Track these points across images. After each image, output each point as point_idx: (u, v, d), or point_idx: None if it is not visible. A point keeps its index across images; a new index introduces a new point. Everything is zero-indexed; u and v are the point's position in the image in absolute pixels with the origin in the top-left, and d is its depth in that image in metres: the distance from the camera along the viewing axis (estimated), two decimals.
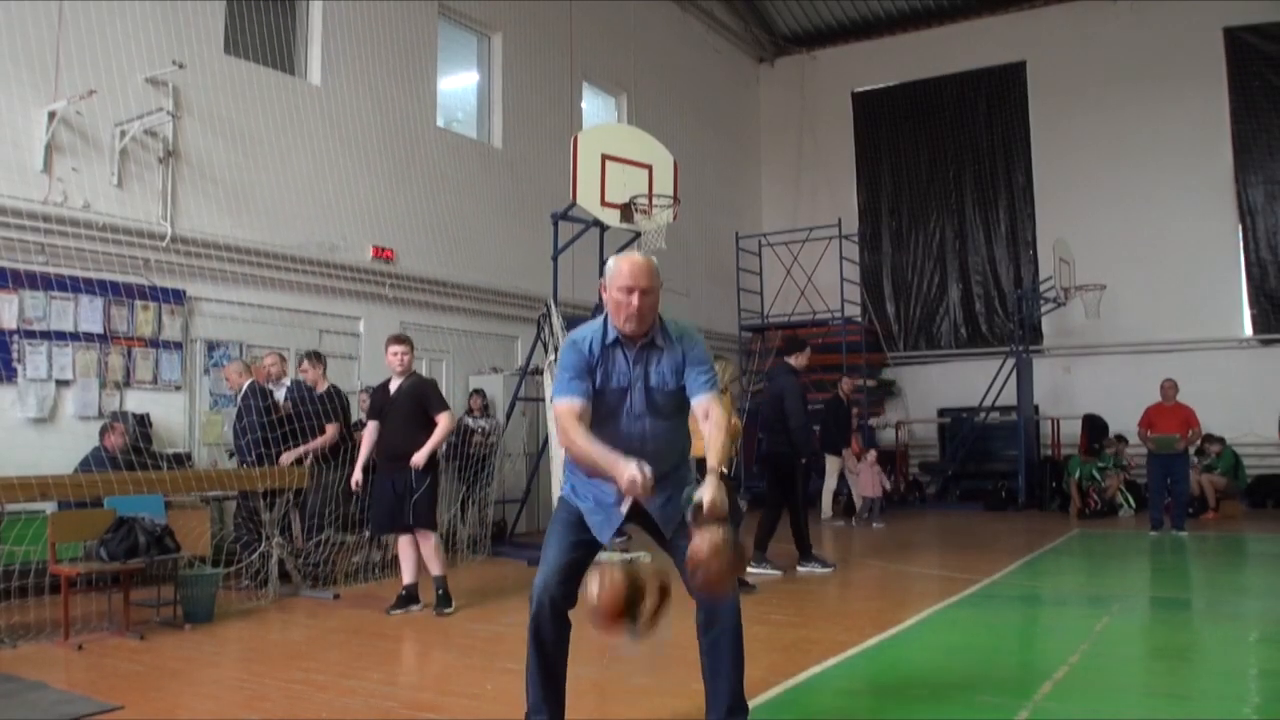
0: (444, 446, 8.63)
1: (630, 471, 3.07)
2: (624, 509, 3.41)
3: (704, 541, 3.02)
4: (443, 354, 11.55)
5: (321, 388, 8.14)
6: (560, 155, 10.35)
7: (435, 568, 6.67)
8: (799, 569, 8.06)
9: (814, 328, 15.66)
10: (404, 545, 6.76)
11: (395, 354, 6.83)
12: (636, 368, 3.39)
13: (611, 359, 3.39)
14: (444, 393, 10.24)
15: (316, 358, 8.34)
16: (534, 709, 3.41)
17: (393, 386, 6.86)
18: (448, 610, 6.58)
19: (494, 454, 10.41)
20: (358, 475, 6.96)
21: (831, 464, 12.78)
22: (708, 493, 3.08)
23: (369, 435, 6.93)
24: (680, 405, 3.49)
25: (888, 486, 12.97)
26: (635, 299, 3.29)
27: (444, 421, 6.73)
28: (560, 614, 3.37)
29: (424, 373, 11.37)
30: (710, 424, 3.34)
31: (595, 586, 3.08)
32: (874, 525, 12.06)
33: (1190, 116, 15.45)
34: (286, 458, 7.69)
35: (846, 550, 9.85)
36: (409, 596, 6.68)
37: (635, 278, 3.29)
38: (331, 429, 7.93)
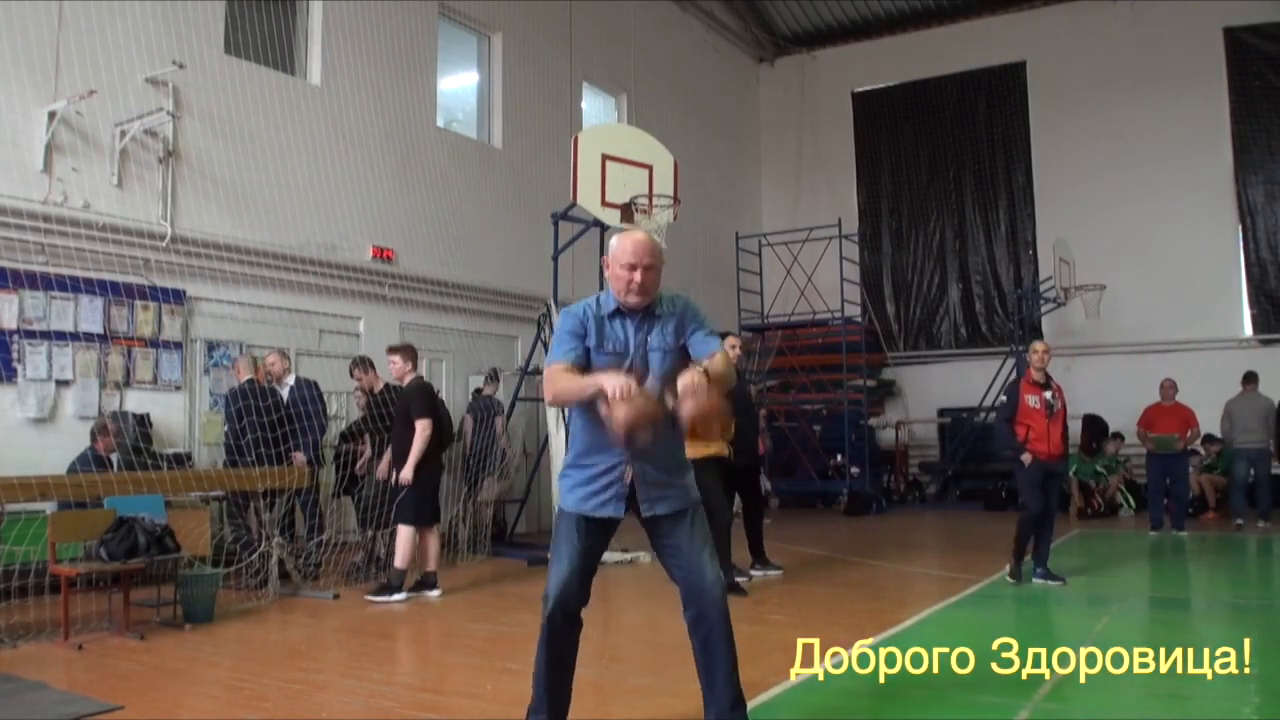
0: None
1: (614, 380, 3.09)
2: (627, 478, 3.39)
3: (685, 383, 3.10)
4: (443, 354, 11.54)
5: (378, 388, 8.44)
6: (560, 155, 10.35)
7: (398, 559, 7.06)
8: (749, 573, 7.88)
9: (814, 328, 15.67)
10: (423, 537, 7.23)
11: (391, 363, 7.50)
12: (638, 334, 3.45)
13: (608, 327, 3.45)
14: (443, 393, 10.35)
15: (366, 364, 8.69)
16: (536, 708, 3.43)
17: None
18: (381, 598, 6.89)
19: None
20: (382, 469, 7.63)
21: None
22: (688, 374, 3.15)
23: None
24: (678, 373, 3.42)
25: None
26: (638, 275, 3.35)
27: (418, 428, 7.11)
28: (573, 615, 3.41)
29: (424, 374, 11.42)
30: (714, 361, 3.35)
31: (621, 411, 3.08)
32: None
33: (1190, 116, 15.45)
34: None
35: (845, 549, 9.85)
36: (423, 582, 7.14)
37: (638, 255, 3.35)
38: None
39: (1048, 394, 7.63)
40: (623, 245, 3.39)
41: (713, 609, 3.37)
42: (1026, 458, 7.45)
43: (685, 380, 3.13)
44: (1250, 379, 11.85)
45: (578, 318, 3.46)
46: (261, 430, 7.56)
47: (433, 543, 7.26)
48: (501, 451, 10.04)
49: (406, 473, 6.98)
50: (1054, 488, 7.80)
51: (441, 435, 7.31)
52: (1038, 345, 7.85)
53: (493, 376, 10.50)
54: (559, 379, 3.36)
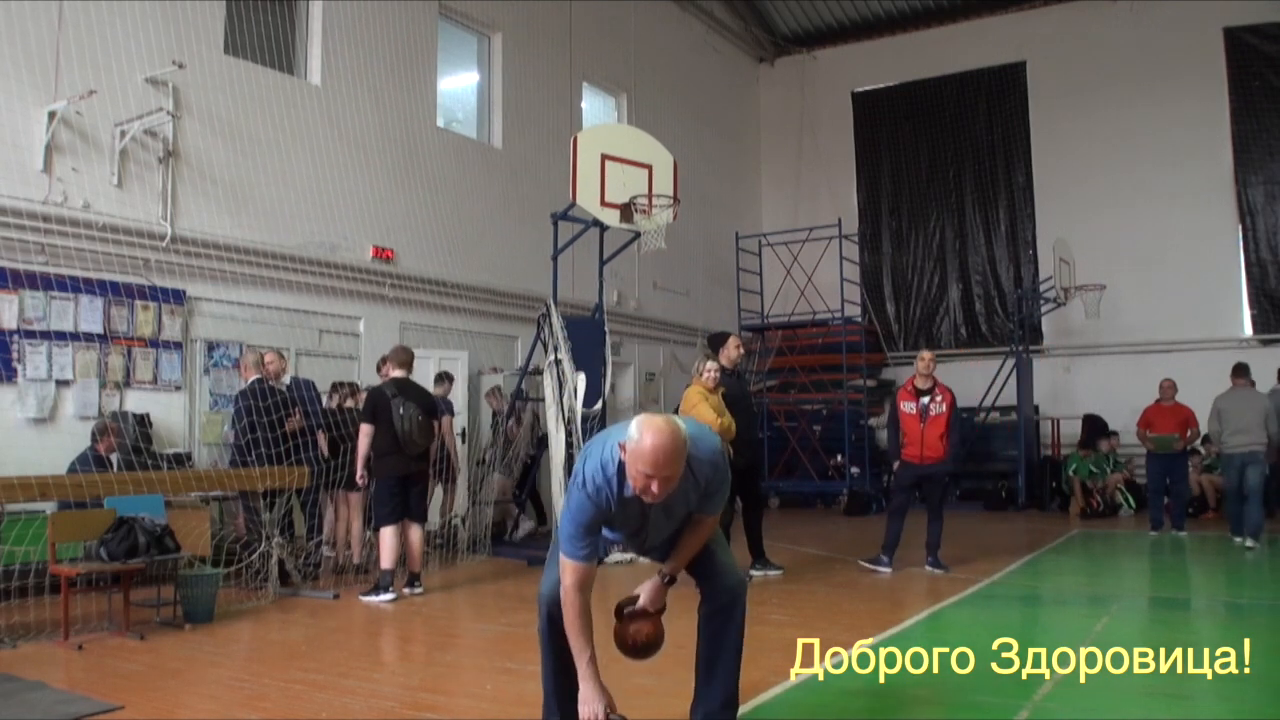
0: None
1: (589, 710, 3.24)
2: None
3: (628, 631, 3.46)
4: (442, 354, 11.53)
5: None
6: (560, 155, 10.35)
7: (380, 559, 7.18)
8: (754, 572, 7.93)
9: (814, 328, 15.66)
10: (407, 535, 7.35)
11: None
12: (653, 508, 3.28)
13: (624, 507, 3.29)
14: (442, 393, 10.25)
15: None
16: (549, 710, 3.48)
17: None
18: (370, 598, 6.98)
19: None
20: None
21: None
22: (645, 593, 3.43)
23: None
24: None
25: None
26: (655, 485, 3.07)
27: (359, 435, 7.34)
28: None
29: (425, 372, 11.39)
30: (690, 532, 3.43)
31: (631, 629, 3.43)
32: None
33: (1190, 116, 15.44)
34: None
35: (845, 549, 9.84)
36: (408, 579, 7.29)
37: (658, 466, 3.03)
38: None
39: (925, 399, 8.18)
40: (642, 448, 3.03)
41: (733, 605, 3.41)
42: (895, 465, 8.44)
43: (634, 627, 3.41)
44: (1240, 372, 10.37)
45: (600, 508, 3.23)
46: (269, 430, 7.55)
47: (413, 541, 7.31)
48: (447, 457, 9.41)
49: (358, 475, 7.31)
50: (933, 489, 8.37)
51: (398, 438, 7.14)
52: (925, 354, 8.45)
53: (444, 377, 10.10)
54: (571, 601, 3.26)
